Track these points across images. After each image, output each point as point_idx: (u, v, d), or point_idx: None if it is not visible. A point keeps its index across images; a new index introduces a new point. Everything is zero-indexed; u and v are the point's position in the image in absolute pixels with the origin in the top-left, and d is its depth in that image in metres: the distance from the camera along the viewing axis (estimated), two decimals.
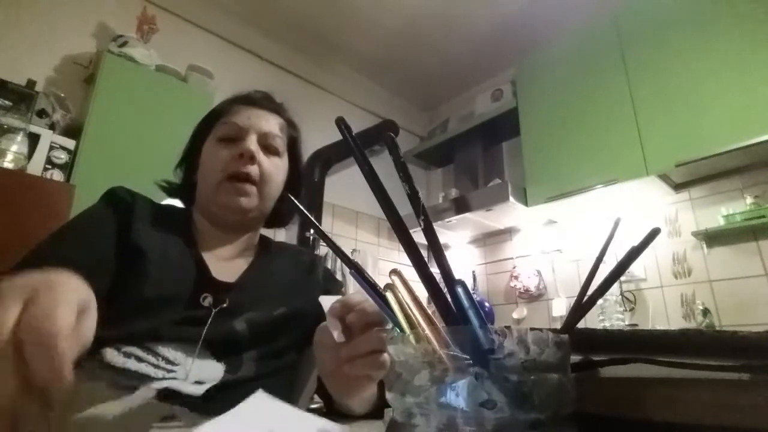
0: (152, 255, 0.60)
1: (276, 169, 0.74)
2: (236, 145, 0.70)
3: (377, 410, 0.59)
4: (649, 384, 0.27)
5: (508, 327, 0.23)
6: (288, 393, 0.69)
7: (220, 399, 0.55)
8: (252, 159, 0.69)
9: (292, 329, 0.68)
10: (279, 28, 2.73)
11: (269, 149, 0.73)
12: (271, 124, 0.75)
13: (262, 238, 0.82)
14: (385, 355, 0.45)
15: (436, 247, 0.27)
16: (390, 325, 0.30)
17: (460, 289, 0.25)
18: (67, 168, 1.67)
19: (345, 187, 2.83)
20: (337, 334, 0.43)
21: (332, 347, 0.46)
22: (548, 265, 2.58)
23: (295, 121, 0.82)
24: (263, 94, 0.80)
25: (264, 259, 0.76)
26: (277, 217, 0.80)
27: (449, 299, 0.26)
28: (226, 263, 0.71)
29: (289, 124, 0.80)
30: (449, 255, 2.37)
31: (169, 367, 0.55)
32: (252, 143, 0.70)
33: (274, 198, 0.75)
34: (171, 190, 0.79)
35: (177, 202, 0.81)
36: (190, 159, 0.77)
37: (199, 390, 0.53)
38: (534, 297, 2.60)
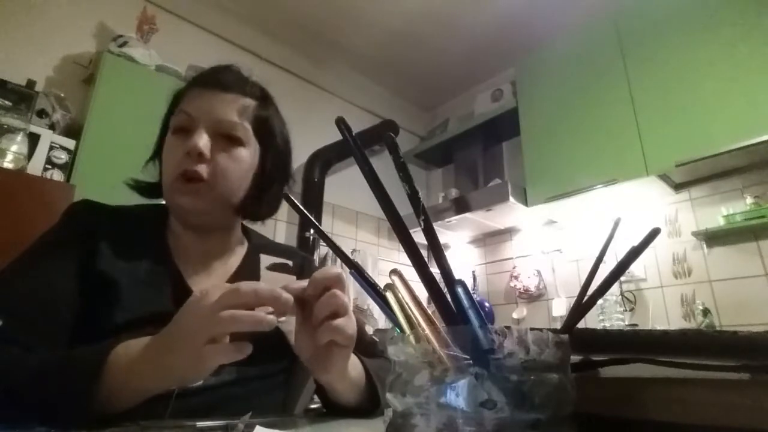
0: (121, 280, 0.57)
1: (235, 162, 0.64)
2: (188, 139, 0.62)
3: (373, 402, 0.58)
4: (649, 384, 0.27)
5: (508, 327, 0.23)
6: (281, 395, 0.68)
7: (201, 400, 0.55)
8: (200, 156, 0.61)
9: (279, 339, 0.63)
10: (279, 28, 2.73)
11: (230, 139, 0.64)
12: (228, 109, 0.65)
13: (246, 232, 0.77)
14: (341, 319, 0.46)
15: (436, 247, 0.27)
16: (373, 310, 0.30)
17: (460, 289, 0.25)
18: (67, 168, 1.67)
19: (345, 187, 2.84)
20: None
21: (301, 329, 0.48)
22: (548, 265, 2.58)
23: (267, 94, 0.72)
24: (224, 71, 0.70)
25: (250, 264, 0.70)
26: (252, 210, 0.70)
27: (449, 299, 0.26)
28: (207, 268, 0.67)
29: (259, 102, 0.69)
30: (449, 255, 2.37)
31: None
32: (200, 138, 0.61)
33: (234, 194, 0.66)
34: (141, 189, 0.72)
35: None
36: (159, 152, 0.69)
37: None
38: (534, 297, 2.60)
